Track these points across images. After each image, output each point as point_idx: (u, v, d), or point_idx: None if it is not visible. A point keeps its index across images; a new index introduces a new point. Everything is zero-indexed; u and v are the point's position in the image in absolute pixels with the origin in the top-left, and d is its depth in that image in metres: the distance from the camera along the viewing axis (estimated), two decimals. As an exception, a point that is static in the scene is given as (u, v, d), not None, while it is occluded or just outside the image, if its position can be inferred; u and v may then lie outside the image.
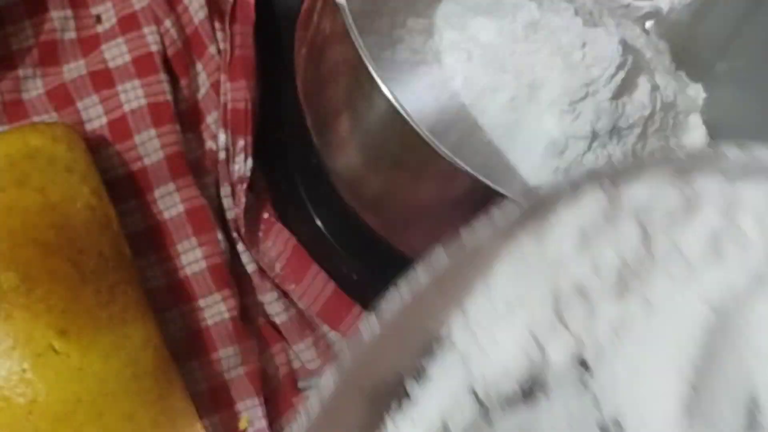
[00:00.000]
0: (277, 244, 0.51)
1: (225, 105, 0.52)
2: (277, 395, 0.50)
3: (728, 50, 0.50)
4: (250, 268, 0.51)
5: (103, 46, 0.52)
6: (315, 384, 0.36)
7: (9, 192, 0.44)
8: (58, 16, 0.53)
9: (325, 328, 0.51)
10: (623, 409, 0.31)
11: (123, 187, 0.50)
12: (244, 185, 0.51)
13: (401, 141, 0.37)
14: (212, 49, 0.53)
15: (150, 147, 0.50)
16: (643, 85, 0.45)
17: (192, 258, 0.49)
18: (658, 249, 0.32)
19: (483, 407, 0.31)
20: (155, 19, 0.53)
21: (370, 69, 0.35)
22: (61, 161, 0.45)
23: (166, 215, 0.50)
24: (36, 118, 0.51)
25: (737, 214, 0.32)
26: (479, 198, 0.37)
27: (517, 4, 0.46)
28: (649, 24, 0.53)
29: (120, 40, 0.52)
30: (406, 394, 0.31)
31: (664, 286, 0.32)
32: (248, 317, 0.51)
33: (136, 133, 0.50)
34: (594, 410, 0.31)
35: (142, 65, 0.51)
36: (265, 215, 0.52)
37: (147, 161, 0.50)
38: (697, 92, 0.51)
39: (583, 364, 0.31)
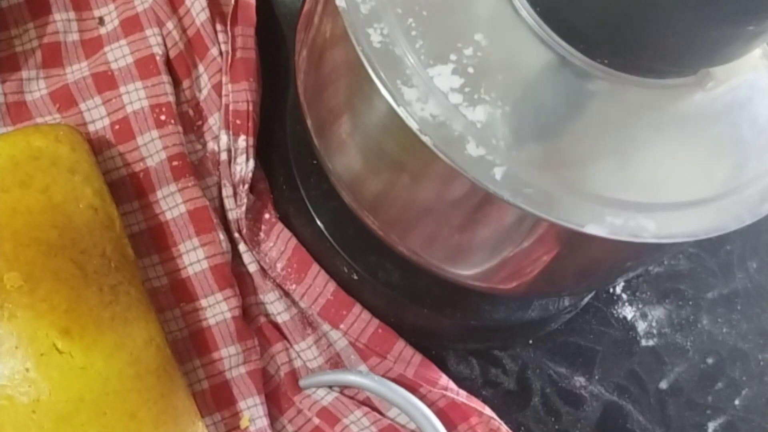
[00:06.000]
0: (278, 244, 0.51)
1: (227, 106, 0.52)
2: (279, 394, 0.50)
3: None
4: (252, 268, 0.51)
5: (106, 48, 0.52)
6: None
7: (12, 193, 0.44)
8: (61, 19, 0.53)
9: (326, 327, 0.51)
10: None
11: (125, 187, 0.50)
12: (246, 186, 0.51)
13: (401, 142, 0.37)
14: (214, 51, 0.53)
15: (152, 148, 0.50)
16: None
17: (194, 258, 0.50)
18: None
19: None
20: (157, 22, 0.53)
21: (370, 71, 0.36)
22: (64, 162, 0.46)
23: (168, 216, 0.50)
24: (39, 120, 0.51)
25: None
26: (478, 199, 0.37)
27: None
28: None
29: (122, 42, 0.52)
30: None
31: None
32: (249, 317, 0.51)
33: (139, 134, 0.51)
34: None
35: (144, 67, 0.52)
36: (266, 216, 0.52)
37: (149, 162, 0.50)
38: None
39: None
